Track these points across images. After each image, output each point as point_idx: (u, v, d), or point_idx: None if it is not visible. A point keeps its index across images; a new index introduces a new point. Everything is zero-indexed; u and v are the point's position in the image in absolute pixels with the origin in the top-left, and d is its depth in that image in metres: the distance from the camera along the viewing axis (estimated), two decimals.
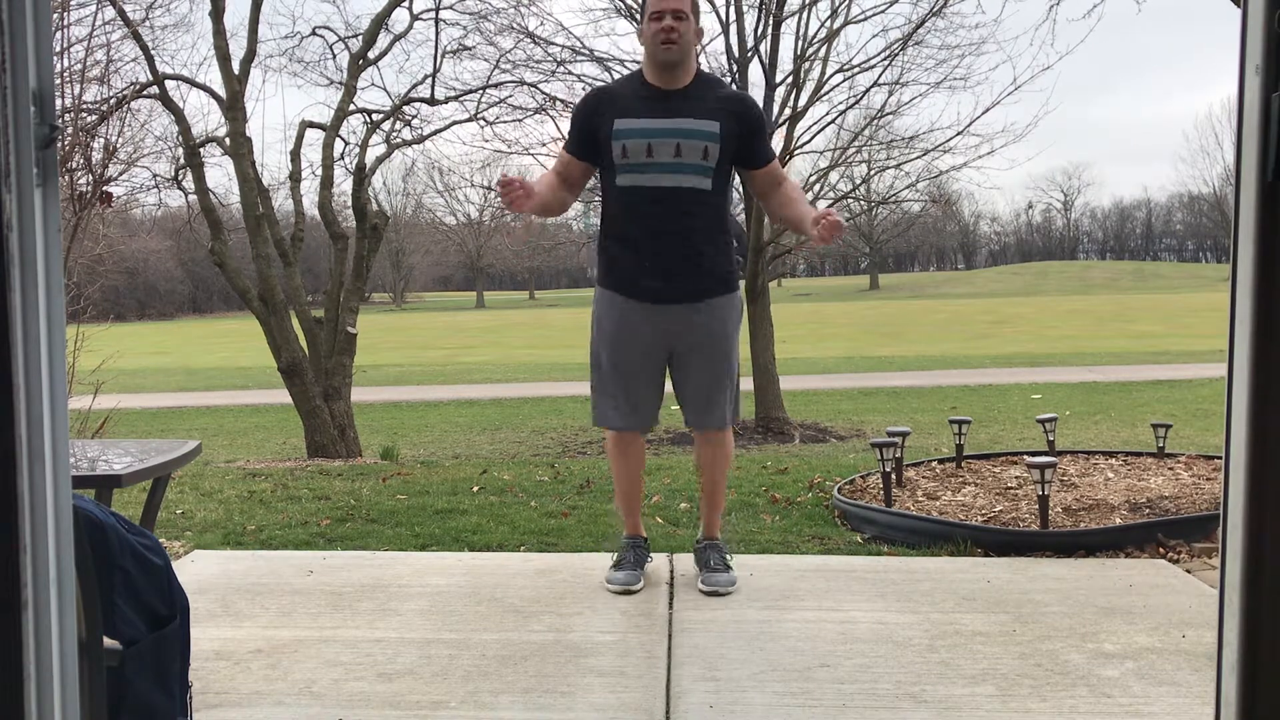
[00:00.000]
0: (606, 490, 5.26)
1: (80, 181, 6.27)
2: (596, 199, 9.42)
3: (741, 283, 3.49)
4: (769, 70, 10.00)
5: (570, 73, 10.32)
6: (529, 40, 10.20)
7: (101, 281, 8.17)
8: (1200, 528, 3.99)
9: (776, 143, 9.63)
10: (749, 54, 10.00)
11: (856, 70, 10.42)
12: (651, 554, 3.64)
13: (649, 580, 3.49)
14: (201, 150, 9.07)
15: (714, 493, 3.58)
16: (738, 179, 3.79)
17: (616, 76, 10.03)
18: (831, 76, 10.40)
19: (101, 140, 6.81)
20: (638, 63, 10.59)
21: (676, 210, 3.24)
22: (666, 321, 3.31)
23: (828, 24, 10.32)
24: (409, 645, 2.90)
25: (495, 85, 10.31)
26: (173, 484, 5.57)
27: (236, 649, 2.88)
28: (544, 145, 10.64)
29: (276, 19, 40.90)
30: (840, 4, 10.17)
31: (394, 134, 10.18)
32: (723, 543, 3.59)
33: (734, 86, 3.47)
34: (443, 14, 10.14)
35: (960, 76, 11.21)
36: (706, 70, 3.50)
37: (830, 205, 12.02)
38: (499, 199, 3.20)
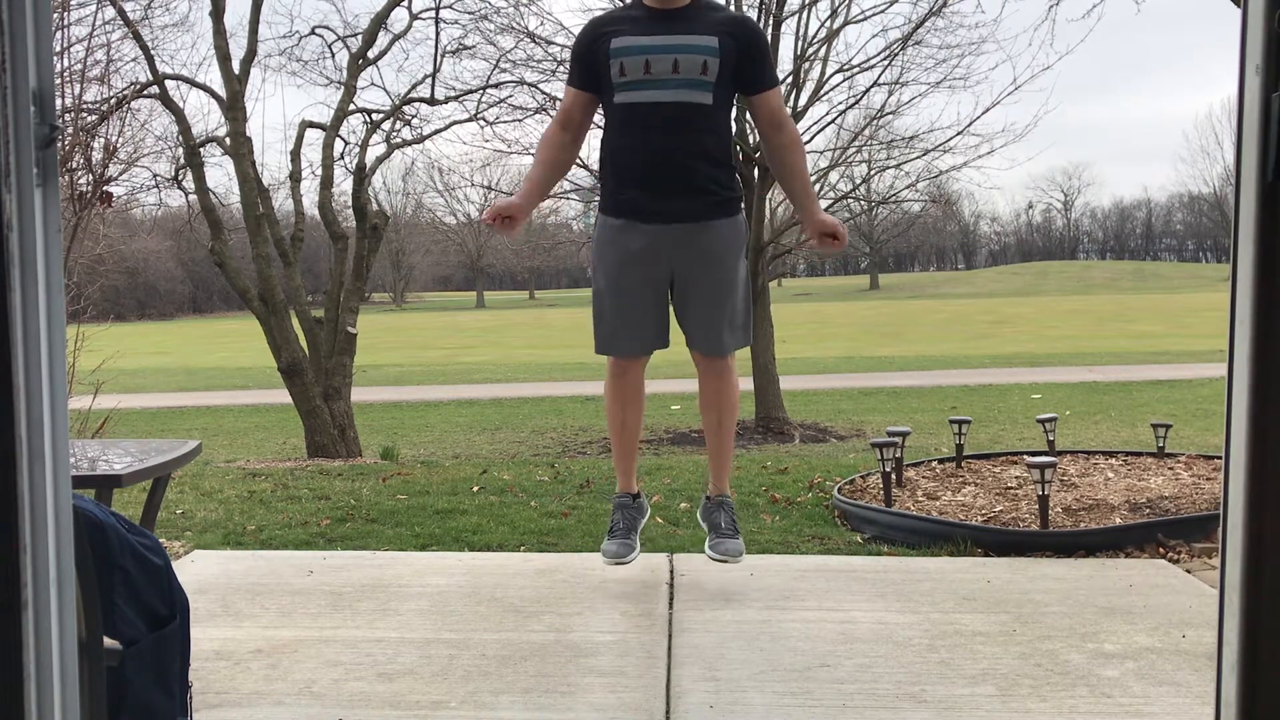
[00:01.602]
0: (606, 490, 5.26)
1: (80, 181, 6.27)
2: (596, 199, 9.41)
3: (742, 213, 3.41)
4: None
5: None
6: (529, 40, 10.19)
7: (101, 281, 8.18)
8: (1200, 528, 3.99)
9: None
10: None
11: (856, 70, 10.43)
12: (648, 506, 3.58)
13: (651, 582, 3.48)
14: (201, 150, 9.07)
15: (720, 437, 3.47)
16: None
17: None
18: (831, 76, 10.41)
19: (101, 140, 6.81)
20: None
21: (676, 125, 3.17)
22: (666, 242, 3.24)
23: (828, 24, 10.33)
24: (409, 645, 2.90)
25: (495, 85, 10.31)
26: (173, 484, 5.57)
27: (236, 649, 2.88)
28: None
29: (275, 18, 40.87)
30: (840, 4, 10.18)
31: (394, 134, 10.18)
32: (731, 500, 3.51)
33: None
34: (442, 13, 10.15)
35: (960, 76, 11.23)
36: None
37: (830, 205, 12.03)
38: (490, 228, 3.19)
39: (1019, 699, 2.51)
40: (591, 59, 3.26)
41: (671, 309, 3.36)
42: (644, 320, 3.32)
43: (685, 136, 3.18)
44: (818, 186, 11.44)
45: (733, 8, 9.88)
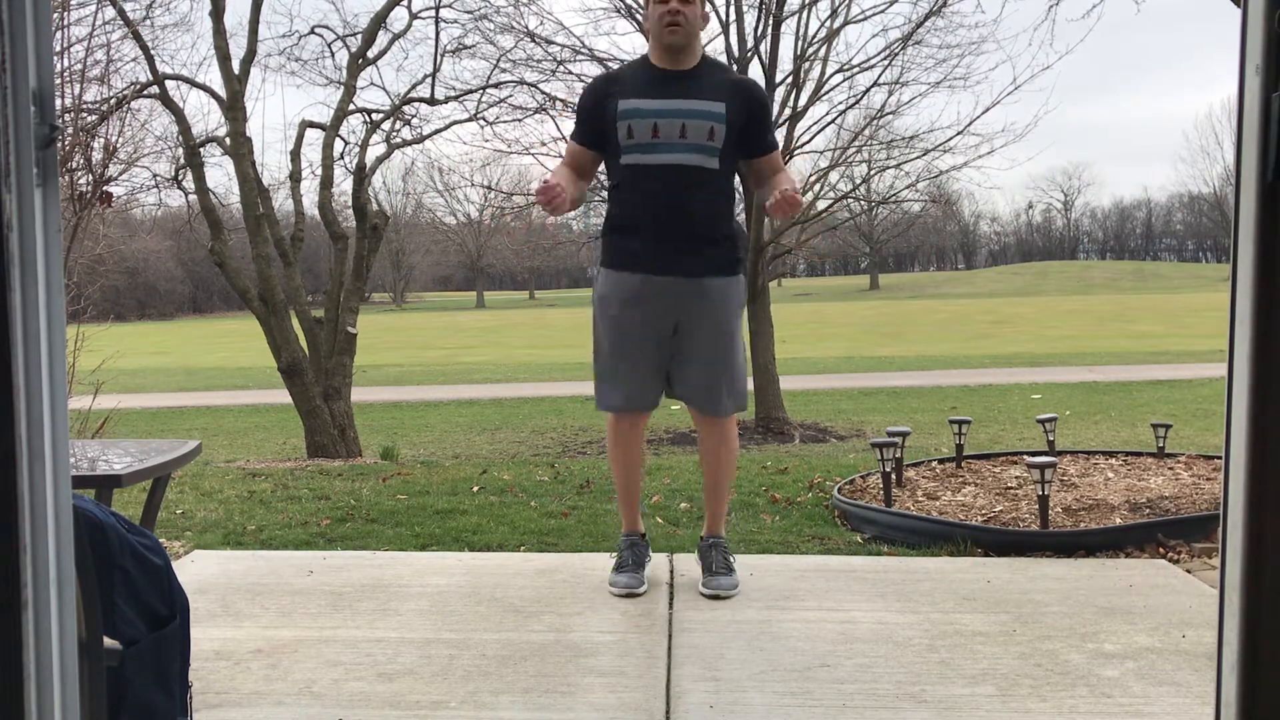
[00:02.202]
0: (606, 490, 5.26)
1: (80, 181, 6.27)
2: (597, 199, 9.41)
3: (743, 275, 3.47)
4: (769, 70, 10.00)
5: (570, 72, 10.32)
6: (529, 39, 10.20)
7: (101, 281, 8.17)
8: (1200, 528, 3.99)
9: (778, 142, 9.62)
10: (749, 54, 9.99)
11: (856, 70, 10.43)
12: (651, 552, 3.63)
13: (651, 582, 3.48)
14: (201, 150, 9.07)
15: (717, 486, 3.53)
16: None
17: None
18: (831, 76, 10.42)
19: (101, 140, 6.81)
20: None
21: (680, 186, 3.21)
22: (667, 298, 3.26)
23: (828, 24, 10.33)
24: (409, 645, 2.90)
25: (495, 85, 10.31)
26: (173, 484, 5.57)
27: (236, 649, 2.88)
28: (544, 145, 10.64)
29: (275, 18, 40.91)
30: (840, 4, 10.18)
31: (394, 134, 10.18)
32: (726, 541, 3.57)
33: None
34: (442, 12, 10.15)
35: (960, 76, 11.24)
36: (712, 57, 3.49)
37: (830, 205, 12.03)
38: (536, 204, 3.20)
39: (1019, 699, 2.51)
40: (599, 119, 3.28)
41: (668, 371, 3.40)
42: (644, 375, 3.37)
43: (690, 196, 3.23)
44: (818, 186, 11.45)
45: (731, 13, 9.90)
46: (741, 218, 9.75)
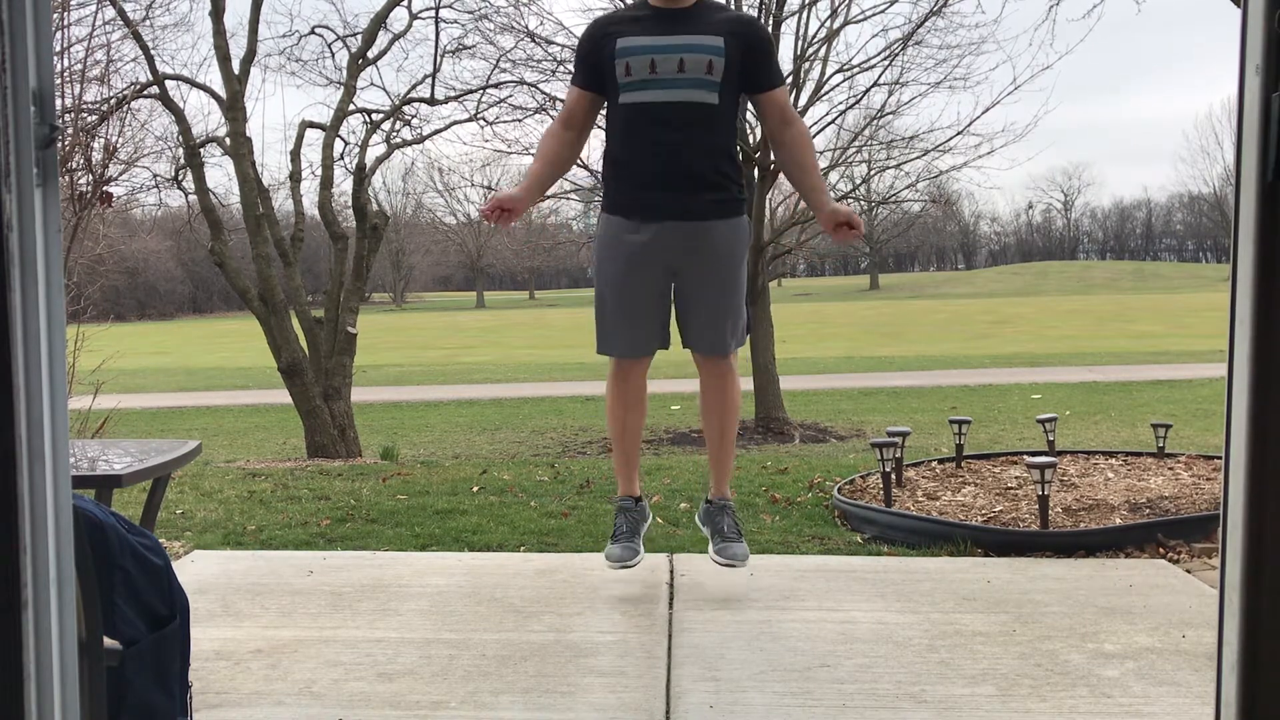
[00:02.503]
0: (606, 490, 5.26)
1: (80, 181, 6.27)
2: (597, 199, 9.41)
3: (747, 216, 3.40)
4: None
5: (570, 72, 10.32)
6: (529, 40, 10.19)
7: (101, 281, 8.17)
8: (1200, 528, 3.99)
9: None
10: None
11: (856, 70, 10.42)
12: (650, 514, 3.57)
13: (651, 582, 3.48)
14: (201, 150, 9.07)
15: (722, 439, 3.45)
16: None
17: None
18: (831, 76, 10.41)
19: (101, 140, 6.81)
20: None
21: (681, 125, 3.17)
22: (668, 241, 3.23)
23: (828, 24, 10.33)
24: (409, 645, 2.90)
25: (495, 85, 10.31)
26: (173, 484, 5.57)
27: (236, 649, 2.88)
28: None
29: (275, 18, 40.87)
30: (840, 4, 10.18)
31: (394, 134, 10.18)
32: (733, 502, 3.49)
33: None
34: (442, 13, 10.16)
35: (960, 76, 11.22)
36: None
37: None
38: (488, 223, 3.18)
39: (1019, 699, 2.51)
40: (596, 59, 3.25)
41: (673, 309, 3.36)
42: (646, 319, 3.31)
43: (690, 135, 3.17)
44: None
45: (740, 8, 9.89)
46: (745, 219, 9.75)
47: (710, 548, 3.39)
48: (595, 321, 3.38)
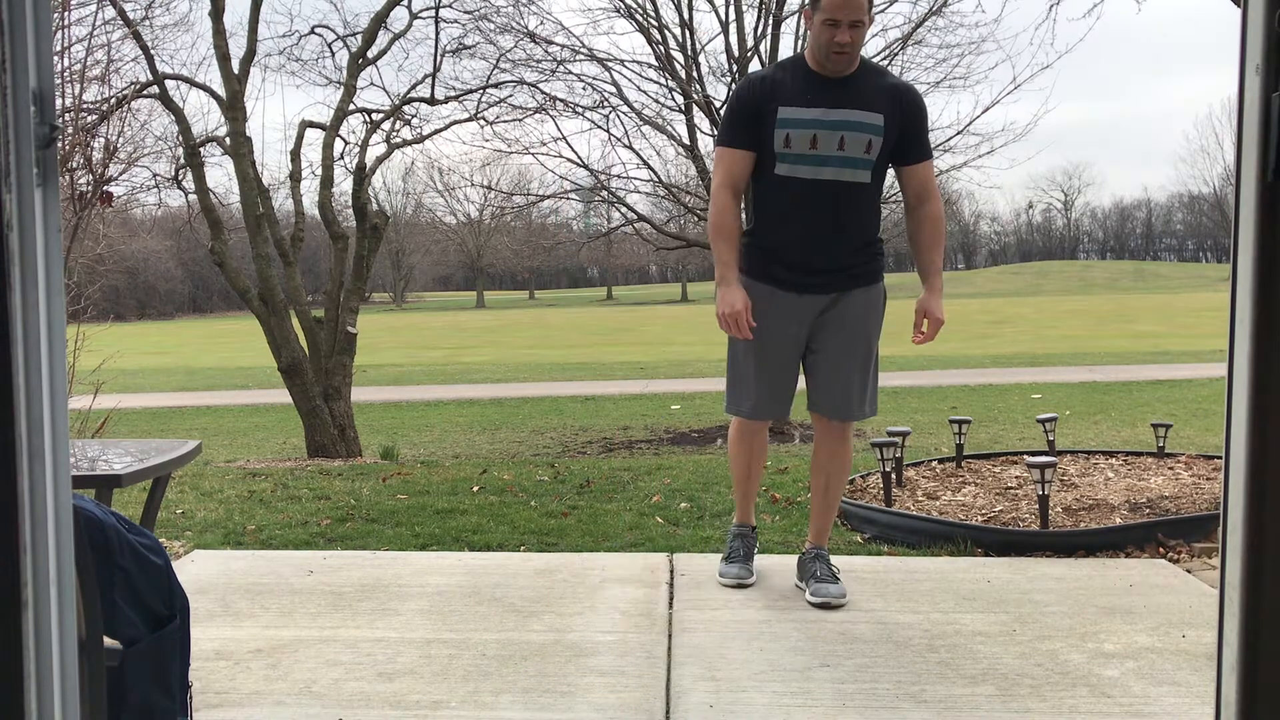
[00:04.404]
0: (606, 490, 5.27)
1: (80, 181, 6.27)
2: (597, 199, 9.40)
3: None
4: None
5: (570, 72, 10.31)
6: (529, 40, 10.19)
7: (101, 281, 8.18)
8: (1200, 528, 3.99)
9: None
10: (749, 53, 10.00)
11: None
12: (757, 548, 3.63)
13: (651, 582, 3.48)
14: (201, 150, 9.07)
15: (826, 494, 3.48)
16: None
17: (617, 76, 10.03)
18: None
19: (101, 140, 6.81)
20: (639, 62, 10.50)
21: (833, 203, 3.20)
22: (809, 312, 3.27)
23: None
24: (409, 645, 2.90)
25: (495, 85, 10.31)
26: (173, 484, 5.57)
27: (236, 649, 2.88)
28: (544, 145, 10.62)
29: (275, 18, 40.87)
30: None
31: (394, 134, 10.17)
32: (829, 552, 3.48)
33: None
34: (442, 12, 10.13)
35: (960, 76, 11.24)
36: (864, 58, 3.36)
37: None
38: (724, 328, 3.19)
39: (1019, 699, 2.51)
40: (758, 124, 3.23)
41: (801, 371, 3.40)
42: (778, 387, 3.38)
43: (840, 214, 3.22)
44: None
45: (731, 12, 9.90)
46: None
47: (807, 591, 3.33)
48: (728, 383, 3.44)
